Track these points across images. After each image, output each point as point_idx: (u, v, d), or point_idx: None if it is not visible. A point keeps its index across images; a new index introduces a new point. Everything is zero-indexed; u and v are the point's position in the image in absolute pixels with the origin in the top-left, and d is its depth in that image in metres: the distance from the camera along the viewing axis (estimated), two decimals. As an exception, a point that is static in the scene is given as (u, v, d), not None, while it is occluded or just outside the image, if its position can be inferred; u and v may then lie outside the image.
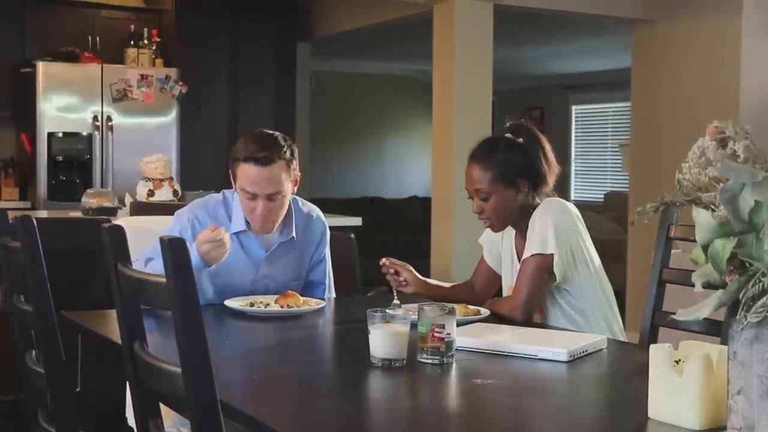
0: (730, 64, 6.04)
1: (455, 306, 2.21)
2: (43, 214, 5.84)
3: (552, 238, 2.68)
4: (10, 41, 6.83)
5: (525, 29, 8.05)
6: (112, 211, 5.05)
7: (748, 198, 1.31)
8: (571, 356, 2.12)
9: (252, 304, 2.72)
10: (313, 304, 2.78)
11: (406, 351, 2.06)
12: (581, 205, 2.89)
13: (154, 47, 7.13)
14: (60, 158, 6.64)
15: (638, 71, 6.87)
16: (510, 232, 2.92)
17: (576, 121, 11.33)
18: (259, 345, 2.53)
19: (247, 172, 2.83)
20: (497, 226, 2.86)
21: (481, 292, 3.02)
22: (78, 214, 5.19)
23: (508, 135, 2.83)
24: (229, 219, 2.95)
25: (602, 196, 10.53)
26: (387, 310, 2.11)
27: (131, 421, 2.44)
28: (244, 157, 2.83)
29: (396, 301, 2.76)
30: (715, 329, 2.37)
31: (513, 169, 2.78)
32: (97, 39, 7.07)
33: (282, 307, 2.70)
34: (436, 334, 2.07)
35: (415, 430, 1.71)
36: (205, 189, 4.63)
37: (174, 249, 1.42)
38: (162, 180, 5.18)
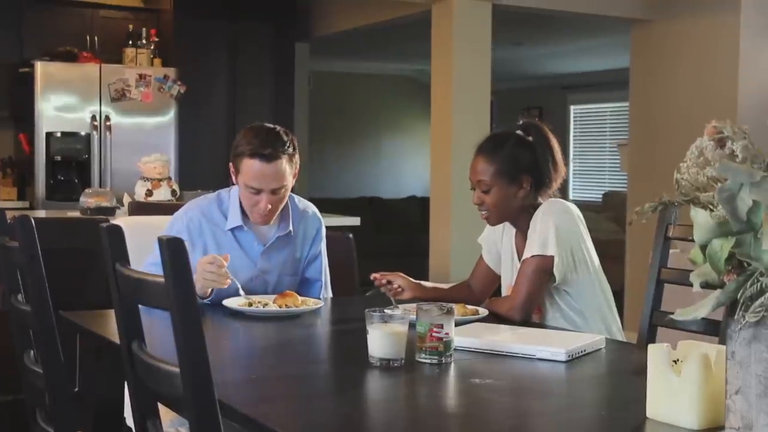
0: (729, 64, 6.05)
1: (454, 306, 2.21)
2: (41, 213, 5.84)
3: (553, 240, 2.68)
4: (8, 41, 6.83)
5: (523, 29, 8.06)
6: (111, 211, 5.05)
7: (747, 198, 1.31)
8: (569, 356, 2.12)
9: (250, 304, 2.72)
10: (312, 303, 2.78)
11: (405, 351, 2.06)
12: (580, 205, 2.89)
13: (152, 47, 7.13)
14: (58, 158, 6.64)
15: (637, 71, 6.88)
16: (510, 231, 2.92)
17: (574, 121, 11.34)
18: (257, 345, 2.53)
19: (252, 168, 2.83)
20: (494, 220, 2.86)
21: (479, 292, 3.02)
22: (76, 214, 5.19)
23: (518, 132, 2.84)
24: (224, 217, 2.96)
25: (601, 196, 10.53)
26: (385, 310, 2.11)
27: (130, 421, 2.44)
28: (249, 153, 2.83)
29: (395, 307, 2.76)
30: (713, 329, 2.37)
31: (518, 165, 2.78)
32: (96, 39, 7.07)
33: (280, 306, 2.69)
34: (434, 334, 2.07)
35: (414, 429, 1.71)
36: (203, 189, 4.63)
37: (172, 249, 1.42)
38: (160, 180, 5.18)
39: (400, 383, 2.00)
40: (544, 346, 2.16)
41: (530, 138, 2.82)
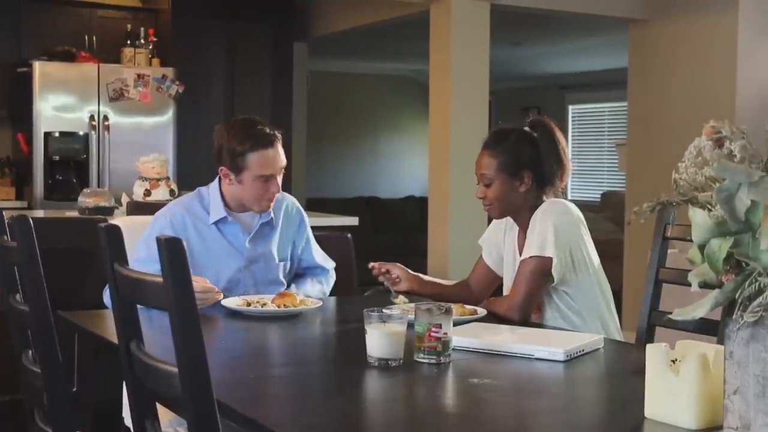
0: (727, 64, 6.05)
1: (452, 305, 2.21)
2: (39, 213, 5.83)
3: (551, 241, 2.68)
4: (7, 41, 6.82)
5: (522, 29, 8.05)
6: (109, 211, 5.04)
7: (745, 198, 1.31)
8: (567, 356, 2.12)
9: (249, 304, 2.72)
10: (310, 303, 2.79)
11: (403, 351, 2.06)
12: (578, 205, 2.89)
13: (150, 47, 7.12)
14: (56, 158, 6.64)
15: (635, 71, 6.88)
16: (513, 230, 2.92)
17: (573, 120, 11.34)
18: (255, 345, 2.53)
19: (260, 158, 2.91)
20: (496, 213, 2.88)
21: (478, 292, 3.02)
22: (74, 213, 5.18)
23: (525, 128, 2.86)
24: (206, 212, 3.00)
25: (599, 196, 10.53)
26: (384, 310, 2.11)
27: (128, 421, 2.44)
28: (252, 147, 2.90)
29: (395, 296, 2.78)
30: (711, 329, 2.37)
31: (520, 160, 2.80)
32: (94, 38, 7.06)
33: (279, 306, 2.70)
34: (433, 334, 2.07)
35: (412, 429, 1.71)
36: (201, 189, 4.62)
37: (171, 249, 1.42)
38: (159, 179, 5.17)
39: (399, 383, 2.00)
40: (543, 346, 2.16)
41: (535, 134, 2.84)
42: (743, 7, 5.99)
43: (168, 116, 6.97)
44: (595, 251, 2.83)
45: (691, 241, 1.43)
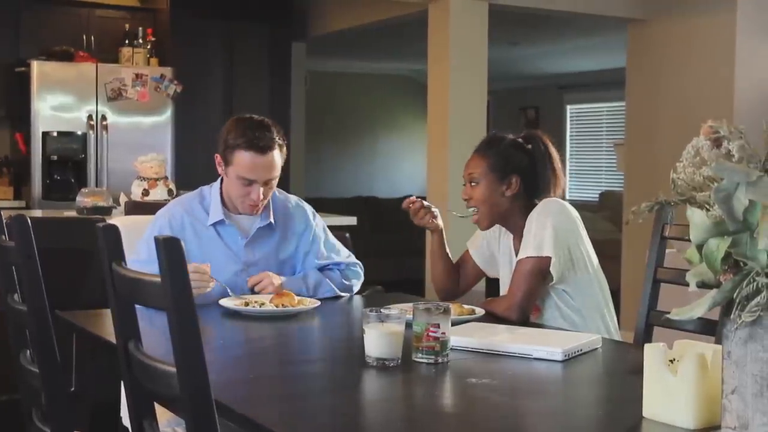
0: (725, 64, 6.05)
1: (450, 305, 2.21)
2: (37, 213, 5.83)
3: (549, 240, 2.68)
4: (5, 40, 6.82)
5: (520, 29, 8.06)
6: (107, 211, 5.04)
7: (743, 197, 1.31)
8: (565, 356, 2.12)
9: (247, 304, 2.72)
10: (308, 303, 2.78)
11: (401, 350, 2.06)
12: (576, 205, 2.90)
13: (148, 46, 7.12)
14: (54, 157, 6.64)
15: (633, 71, 6.88)
16: (507, 236, 2.92)
17: (571, 120, 11.34)
18: (254, 345, 2.52)
19: (246, 160, 2.87)
20: (484, 221, 2.87)
21: (463, 281, 3.05)
22: (73, 213, 5.18)
23: (518, 139, 2.87)
24: (206, 213, 2.98)
25: (597, 196, 10.54)
26: (382, 310, 2.11)
27: (126, 421, 2.44)
28: (243, 145, 2.87)
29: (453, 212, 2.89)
30: (709, 328, 2.37)
31: (509, 163, 2.81)
32: (92, 38, 7.05)
33: (277, 306, 2.69)
34: (431, 334, 2.07)
35: (410, 429, 1.71)
36: (200, 188, 4.62)
37: (169, 248, 1.42)
38: (157, 179, 5.17)
39: (397, 383, 2.00)
40: (541, 345, 2.16)
41: (529, 146, 2.85)
42: (741, 7, 5.99)
43: (166, 116, 6.97)
44: (593, 250, 2.83)
45: (689, 240, 1.43)
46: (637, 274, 4.54)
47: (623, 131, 7.21)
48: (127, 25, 7.17)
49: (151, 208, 4.62)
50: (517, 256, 2.82)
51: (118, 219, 3.56)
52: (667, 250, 2.65)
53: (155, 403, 1.69)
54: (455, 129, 5.96)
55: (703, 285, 1.41)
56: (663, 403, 1.61)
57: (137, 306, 1.65)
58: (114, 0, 7.29)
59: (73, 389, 2.91)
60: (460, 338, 2.21)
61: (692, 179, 1.44)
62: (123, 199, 5.19)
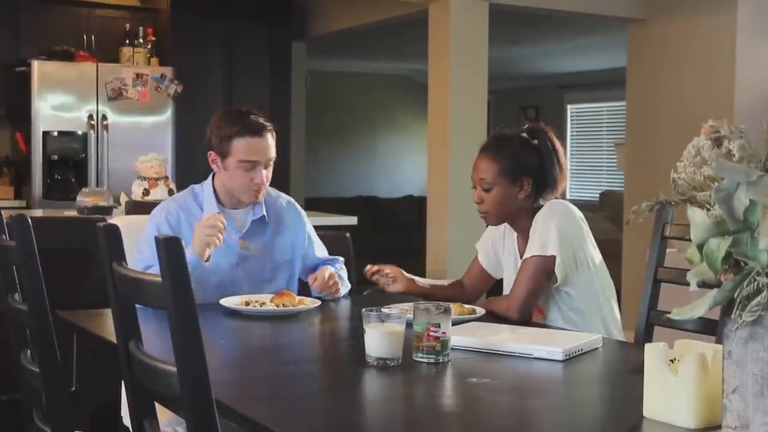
0: (725, 63, 6.05)
1: (451, 305, 2.21)
2: (38, 213, 5.83)
3: (554, 241, 2.67)
4: (5, 40, 6.82)
5: (520, 28, 8.06)
6: (108, 210, 5.04)
7: (743, 197, 1.31)
8: (566, 355, 2.12)
9: (247, 303, 2.72)
10: (308, 303, 2.79)
11: (402, 350, 2.06)
12: (576, 205, 2.89)
13: (149, 46, 7.12)
14: (55, 157, 6.64)
15: (633, 70, 6.88)
16: (512, 235, 2.92)
17: (571, 120, 11.34)
18: (254, 344, 2.53)
19: (245, 144, 2.92)
20: (493, 220, 2.86)
21: (471, 293, 3.02)
22: (73, 213, 5.18)
23: (524, 135, 2.85)
24: (200, 209, 3.01)
25: (597, 196, 10.53)
26: (383, 310, 2.11)
27: (127, 421, 2.44)
28: (238, 132, 2.92)
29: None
30: (710, 328, 2.37)
31: (521, 166, 2.79)
32: (92, 38, 7.05)
33: (277, 306, 2.70)
34: (431, 333, 2.07)
35: (411, 429, 1.71)
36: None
37: (169, 248, 1.42)
38: (157, 179, 5.17)
39: (397, 383, 2.00)
40: (542, 345, 2.16)
41: (535, 142, 2.83)
42: (742, 6, 5.99)
43: (166, 115, 6.97)
44: (598, 250, 2.83)
45: (689, 240, 1.43)
46: (637, 274, 4.54)
47: (623, 131, 7.21)
48: (127, 25, 7.17)
49: (151, 207, 4.60)
50: (521, 256, 2.82)
51: (118, 219, 3.56)
52: (667, 250, 2.65)
53: (156, 402, 1.69)
54: (456, 128, 5.96)
55: (704, 285, 1.41)
56: (663, 402, 1.61)
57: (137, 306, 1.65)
58: (114, 0, 7.29)
59: (73, 389, 2.91)
60: (460, 338, 2.21)
61: (693, 179, 1.44)
62: (123, 198, 5.19)
